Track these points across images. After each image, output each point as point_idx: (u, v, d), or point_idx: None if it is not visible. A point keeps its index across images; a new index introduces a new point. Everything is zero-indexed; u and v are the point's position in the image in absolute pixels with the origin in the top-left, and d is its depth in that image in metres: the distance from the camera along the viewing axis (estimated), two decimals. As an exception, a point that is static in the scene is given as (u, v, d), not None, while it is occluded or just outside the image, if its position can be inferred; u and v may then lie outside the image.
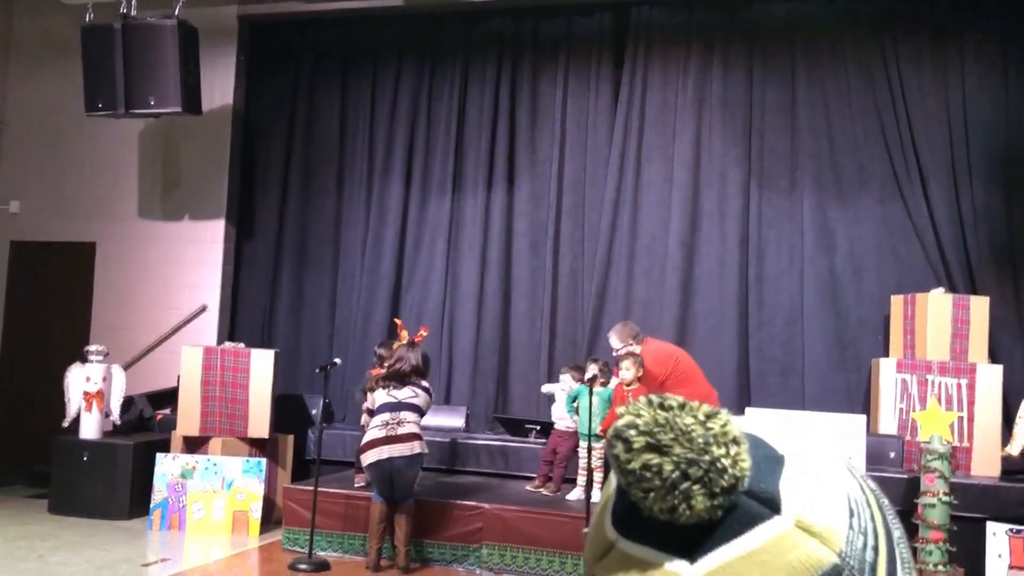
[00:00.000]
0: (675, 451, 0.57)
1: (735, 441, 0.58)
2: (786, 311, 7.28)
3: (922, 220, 7.05)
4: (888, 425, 6.17)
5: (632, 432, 0.58)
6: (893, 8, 7.26)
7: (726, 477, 0.57)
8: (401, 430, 5.45)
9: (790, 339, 7.22)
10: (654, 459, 0.58)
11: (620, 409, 0.61)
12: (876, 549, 0.60)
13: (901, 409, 6.10)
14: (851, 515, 0.60)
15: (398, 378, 5.63)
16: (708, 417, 0.59)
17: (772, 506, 0.59)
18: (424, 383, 5.73)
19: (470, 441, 7.17)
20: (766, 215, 7.43)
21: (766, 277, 7.38)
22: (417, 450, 5.49)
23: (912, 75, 7.19)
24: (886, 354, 6.63)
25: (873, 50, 7.28)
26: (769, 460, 0.61)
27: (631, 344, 5.89)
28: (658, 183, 7.64)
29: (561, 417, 6.29)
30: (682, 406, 0.60)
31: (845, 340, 7.13)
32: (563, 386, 6.30)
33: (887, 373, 6.16)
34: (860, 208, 7.21)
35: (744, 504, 0.58)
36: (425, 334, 6.25)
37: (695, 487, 0.57)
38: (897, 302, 6.62)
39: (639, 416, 0.59)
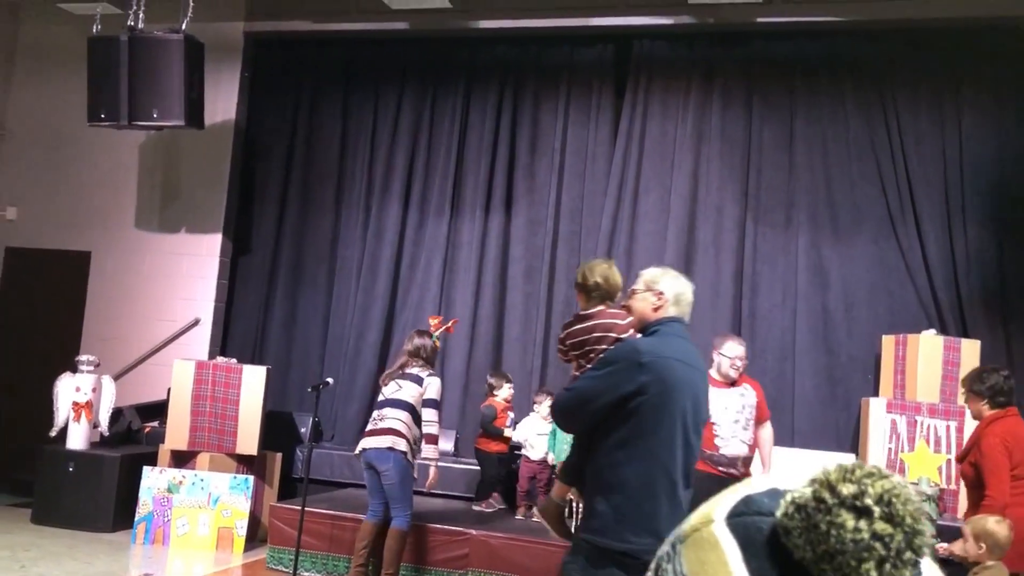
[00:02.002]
0: (906, 522, 0.60)
1: (925, 513, 0.63)
2: (778, 346, 7.31)
3: (915, 261, 7.11)
4: (875, 465, 6.17)
5: (868, 501, 0.60)
6: (892, 50, 7.36)
7: (928, 548, 0.61)
8: (381, 424, 5.32)
9: (781, 374, 7.24)
10: (888, 529, 0.60)
11: (822, 475, 0.63)
12: None
13: (890, 449, 6.12)
14: None
15: (395, 374, 5.49)
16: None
17: (920, 573, 0.64)
18: (417, 371, 5.43)
19: (458, 466, 7.15)
20: (761, 250, 7.48)
21: (759, 312, 7.41)
22: (388, 444, 5.18)
23: (909, 117, 7.27)
24: (876, 393, 6.65)
25: (871, 91, 7.36)
26: None
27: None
28: (655, 214, 7.69)
29: (535, 446, 6.36)
30: (889, 475, 0.63)
31: (836, 377, 7.16)
32: (543, 412, 6.35)
33: (877, 413, 6.18)
34: (854, 247, 7.26)
35: None
36: (454, 324, 6.22)
37: (912, 557, 0.59)
38: (888, 342, 6.65)
39: (866, 485, 0.61)
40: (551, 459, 6.14)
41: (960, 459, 4.55)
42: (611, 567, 2.75)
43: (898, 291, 7.15)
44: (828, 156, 7.39)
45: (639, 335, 3.10)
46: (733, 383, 5.20)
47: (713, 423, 5.02)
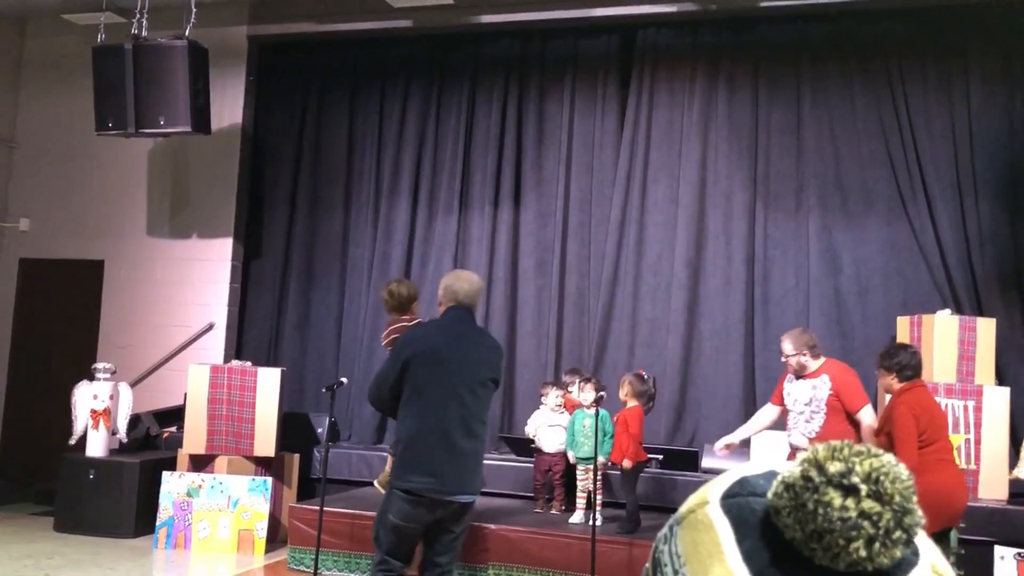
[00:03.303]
0: (895, 501, 0.59)
1: (914, 492, 0.61)
2: (792, 331, 7.27)
3: (928, 241, 7.06)
4: (895, 447, 6.15)
5: (856, 479, 0.60)
6: (898, 29, 7.30)
7: (919, 527, 0.60)
8: None
9: (796, 359, 7.21)
10: (875, 508, 0.59)
11: (811, 453, 0.63)
12: None
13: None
14: None
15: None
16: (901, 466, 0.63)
17: (915, 552, 0.63)
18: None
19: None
20: (772, 235, 7.44)
21: (772, 297, 7.38)
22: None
23: (917, 96, 7.22)
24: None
25: (878, 71, 7.31)
26: None
27: (805, 354, 5.20)
28: (664, 203, 7.67)
29: (545, 438, 6.31)
30: (879, 454, 0.62)
31: (851, 360, 7.06)
32: (551, 404, 6.32)
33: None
34: (866, 229, 7.22)
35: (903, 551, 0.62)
36: None
37: (903, 536, 0.59)
38: (903, 323, 6.60)
39: (854, 463, 0.61)
40: (571, 458, 6.09)
41: (876, 433, 4.78)
42: (401, 502, 3.69)
43: (911, 272, 7.10)
44: (836, 139, 7.34)
45: None
46: (800, 376, 5.19)
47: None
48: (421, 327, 4.31)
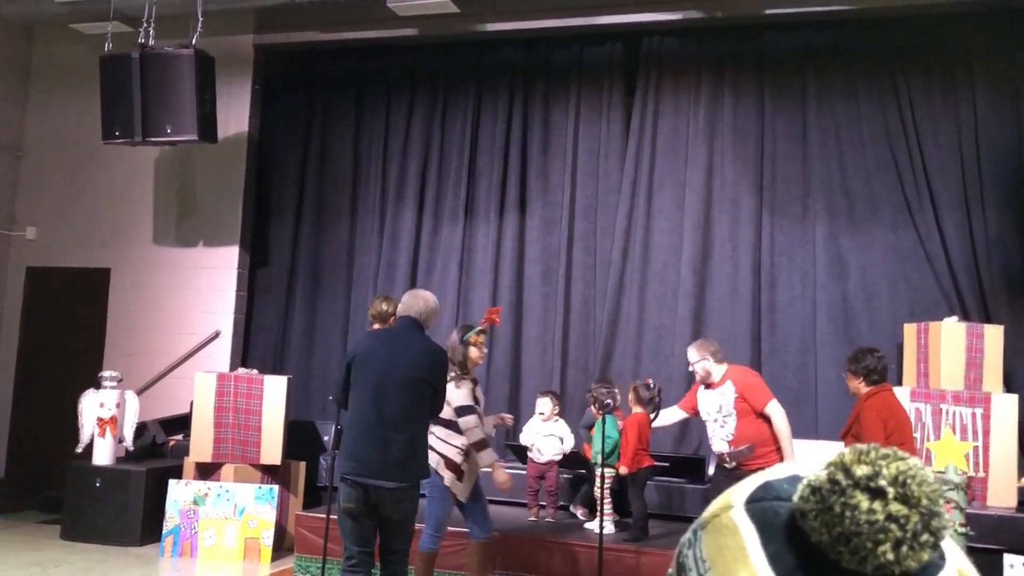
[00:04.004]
0: (922, 504, 0.59)
1: (942, 494, 0.61)
2: (798, 338, 7.27)
3: (934, 248, 7.04)
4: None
5: (883, 482, 0.60)
6: (903, 36, 7.30)
7: (947, 530, 0.60)
8: None
9: (803, 366, 7.20)
10: (903, 511, 0.59)
11: (837, 457, 0.63)
12: None
13: (915, 438, 6.06)
14: None
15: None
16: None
17: (942, 556, 0.62)
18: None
19: (481, 469, 7.14)
20: (778, 242, 7.44)
21: (778, 304, 7.37)
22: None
23: (923, 102, 7.21)
24: (899, 383, 6.59)
25: (883, 78, 7.31)
26: None
27: (708, 359, 5.42)
28: (670, 210, 7.66)
29: (540, 447, 6.31)
30: (905, 457, 0.62)
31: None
32: (545, 413, 6.36)
33: (901, 402, 6.12)
34: (872, 236, 7.21)
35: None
36: (495, 313, 5.31)
37: (930, 539, 0.59)
38: (910, 330, 6.59)
39: (880, 466, 0.61)
40: (591, 454, 6.12)
41: (843, 434, 5.05)
42: (343, 486, 4.19)
43: (918, 279, 7.08)
44: (842, 145, 7.34)
45: None
46: (708, 385, 5.44)
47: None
48: (365, 335, 5.04)
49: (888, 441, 4.65)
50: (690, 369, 5.59)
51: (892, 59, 7.30)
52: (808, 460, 0.70)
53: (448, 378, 4.75)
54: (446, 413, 4.81)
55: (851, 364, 5.04)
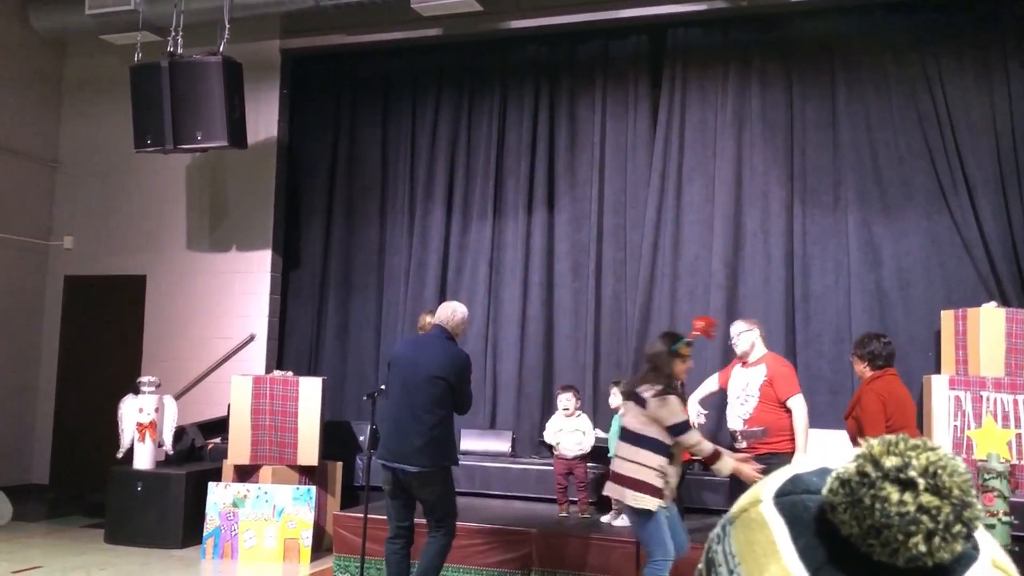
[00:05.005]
0: (954, 494, 0.59)
1: (972, 484, 0.61)
2: (833, 328, 7.19)
3: (970, 233, 6.93)
4: (942, 443, 6.00)
5: (913, 474, 0.59)
6: (932, 18, 7.19)
7: (980, 520, 0.59)
8: (611, 466, 4.82)
9: (838, 356, 7.12)
10: (934, 502, 0.59)
11: (866, 449, 0.62)
12: None
13: (955, 427, 5.98)
14: None
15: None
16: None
17: (975, 547, 0.62)
18: (646, 387, 4.53)
19: (516, 466, 7.17)
20: (810, 232, 7.36)
21: (812, 294, 7.30)
22: (618, 495, 4.71)
23: (955, 85, 7.09)
24: (938, 370, 6.50)
25: (914, 62, 7.20)
26: None
27: (755, 330, 5.54)
28: (700, 203, 7.61)
29: (562, 443, 6.33)
30: (935, 448, 0.61)
31: (896, 356, 7.01)
32: (568, 409, 6.38)
33: (940, 390, 6.05)
34: (906, 223, 7.11)
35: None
36: (708, 326, 5.14)
37: (963, 530, 0.58)
38: (948, 317, 6.49)
39: (910, 457, 0.60)
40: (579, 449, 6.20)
41: (846, 416, 5.17)
42: (382, 469, 4.81)
43: (954, 265, 6.97)
44: (873, 132, 7.24)
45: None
46: (744, 363, 5.59)
47: None
48: (408, 339, 5.85)
49: (889, 423, 4.77)
50: (731, 342, 5.69)
51: (922, 42, 7.19)
52: (818, 453, 0.69)
53: (649, 393, 4.44)
54: (635, 427, 4.48)
55: (857, 348, 5.17)
